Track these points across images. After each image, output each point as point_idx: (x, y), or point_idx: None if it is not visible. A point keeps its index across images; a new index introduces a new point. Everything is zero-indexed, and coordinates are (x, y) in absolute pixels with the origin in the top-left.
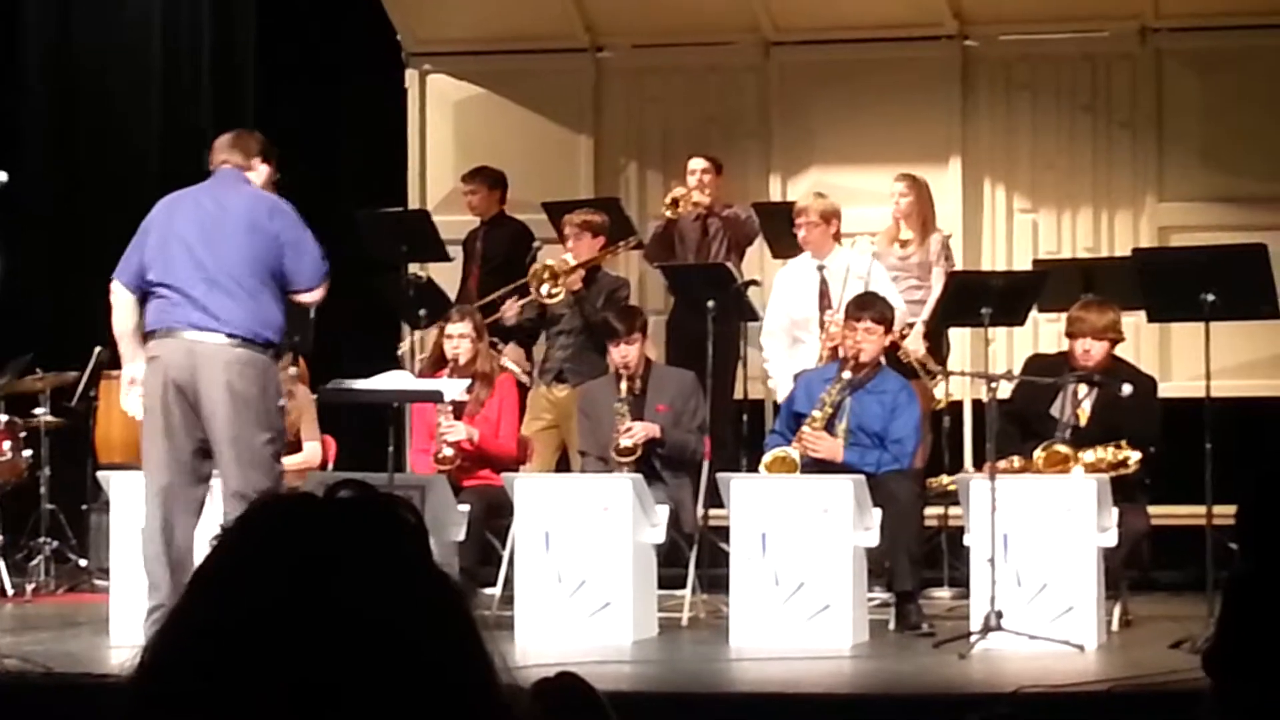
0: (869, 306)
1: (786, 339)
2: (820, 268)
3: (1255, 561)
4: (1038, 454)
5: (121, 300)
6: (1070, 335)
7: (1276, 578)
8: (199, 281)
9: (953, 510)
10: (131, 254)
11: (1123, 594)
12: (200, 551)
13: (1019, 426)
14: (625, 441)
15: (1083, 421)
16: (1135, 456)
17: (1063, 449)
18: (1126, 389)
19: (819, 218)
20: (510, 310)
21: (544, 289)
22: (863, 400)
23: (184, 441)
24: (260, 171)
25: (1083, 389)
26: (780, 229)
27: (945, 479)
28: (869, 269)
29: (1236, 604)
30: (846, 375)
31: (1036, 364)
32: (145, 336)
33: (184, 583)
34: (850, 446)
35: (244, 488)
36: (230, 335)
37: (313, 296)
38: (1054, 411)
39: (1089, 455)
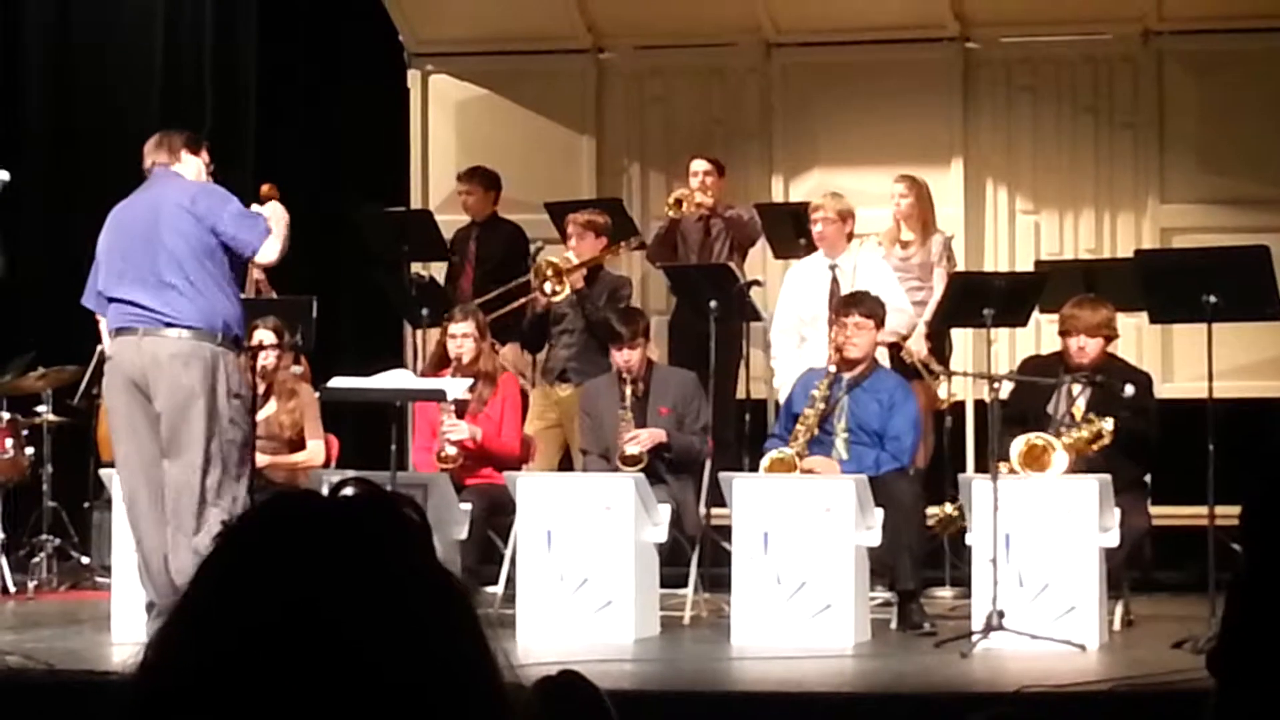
0: (858, 303)
1: (795, 337)
2: (832, 266)
3: (1259, 562)
4: (1016, 451)
5: (105, 326)
6: (1063, 333)
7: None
8: (143, 281)
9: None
10: (91, 277)
11: (1124, 594)
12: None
13: (1019, 427)
14: (632, 450)
15: (1078, 418)
16: (1108, 425)
17: (1039, 440)
18: (1129, 390)
19: (836, 215)
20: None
21: (547, 286)
22: (860, 399)
23: (147, 438)
24: (188, 164)
25: (1076, 386)
26: (783, 229)
27: (949, 508)
28: (879, 270)
29: (1240, 604)
30: (832, 369)
31: (1032, 364)
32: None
33: (160, 579)
34: (850, 446)
35: (206, 476)
36: (178, 328)
37: (265, 256)
38: (1050, 409)
39: (1065, 439)
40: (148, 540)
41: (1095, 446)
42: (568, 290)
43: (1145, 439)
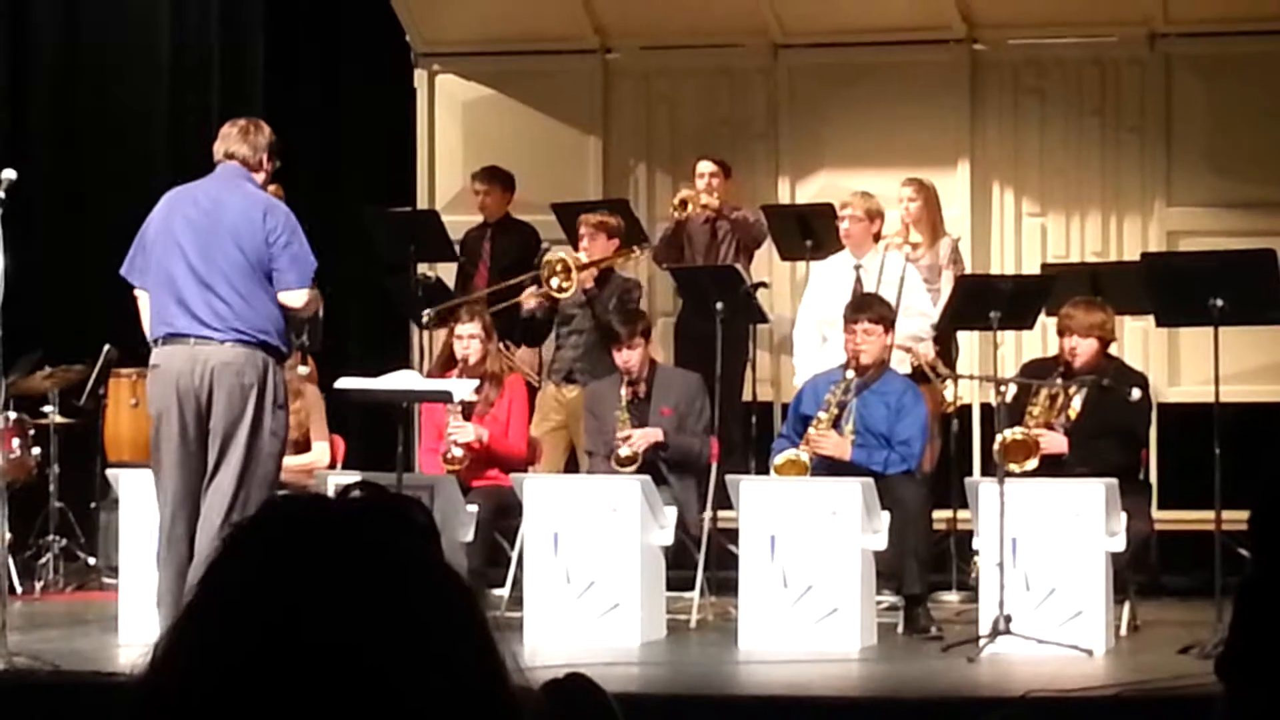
0: (867, 308)
1: (817, 336)
2: (857, 266)
3: (1267, 566)
4: (996, 448)
5: (145, 303)
6: (1060, 332)
7: None
8: (196, 285)
9: (961, 514)
10: (135, 252)
11: (1131, 599)
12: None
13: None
14: (624, 451)
15: (1073, 416)
16: (1077, 400)
17: (1018, 434)
18: (1136, 394)
19: (864, 214)
20: (528, 298)
21: (554, 282)
22: (868, 401)
23: (191, 447)
24: (265, 171)
25: (1073, 388)
26: (789, 231)
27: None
28: (903, 272)
29: (1248, 608)
30: (850, 375)
31: (1032, 367)
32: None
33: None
34: (858, 447)
35: (241, 487)
36: (230, 339)
37: (295, 300)
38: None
39: (1031, 420)
40: (186, 544)
41: (1063, 414)
42: (575, 288)
43: (1133, 431)
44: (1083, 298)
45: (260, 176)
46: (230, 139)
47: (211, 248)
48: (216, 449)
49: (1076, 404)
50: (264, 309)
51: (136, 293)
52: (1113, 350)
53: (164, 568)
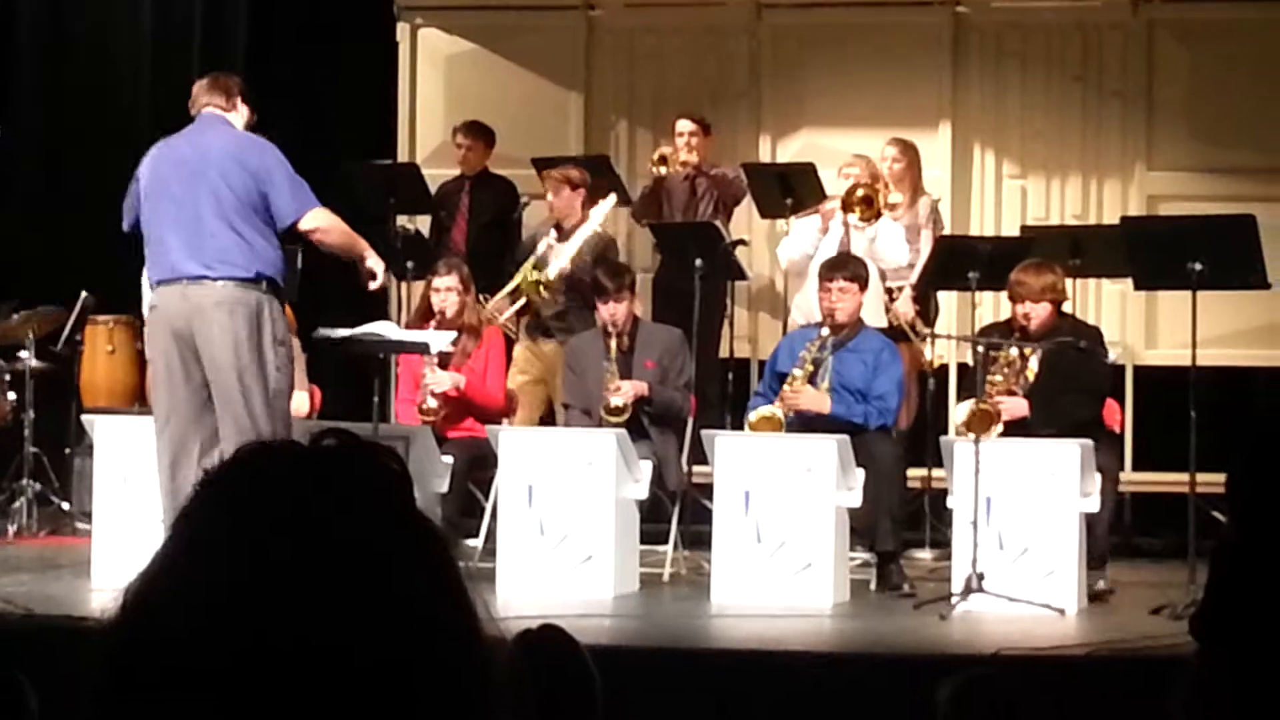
0: (842, 266)
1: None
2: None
3: (1242, 528)
4: (960, 420)
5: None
6: (1011, 299)
7: (1264, 543)
8: (186, 226)
9: (936, 472)
10: (127, 203)
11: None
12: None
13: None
14: (616, 401)
15: (1031, 377)
16: (1014, 351)
17: (983, 406)
18: (1085, 345)
19: (869, 177)
20: (502, 313)
21: (537, 298)
22: (844, 359)
23: (190, 389)
24: (241, 113)
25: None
26: (769, 189)
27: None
28: (891, 229)
29: (1224, 569)
30: (825, 332)
31: (990, 332)
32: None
33: None
34: (835, 401)
35: (247, 427)
36: (222, 277)
37: (314, 222)
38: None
39: (992, 388)
40: (189, 485)
41: (1019, 376)
42: (556, 280)
43: (1094, 383)
44: (1030, 261)
45: (236, 119)
46: (201, 91)
47: (199, 189)
48: (219, 390)
49: (1034, 365)
50: (258, 245)
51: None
52: (1065, 308)
53: (168, 517)
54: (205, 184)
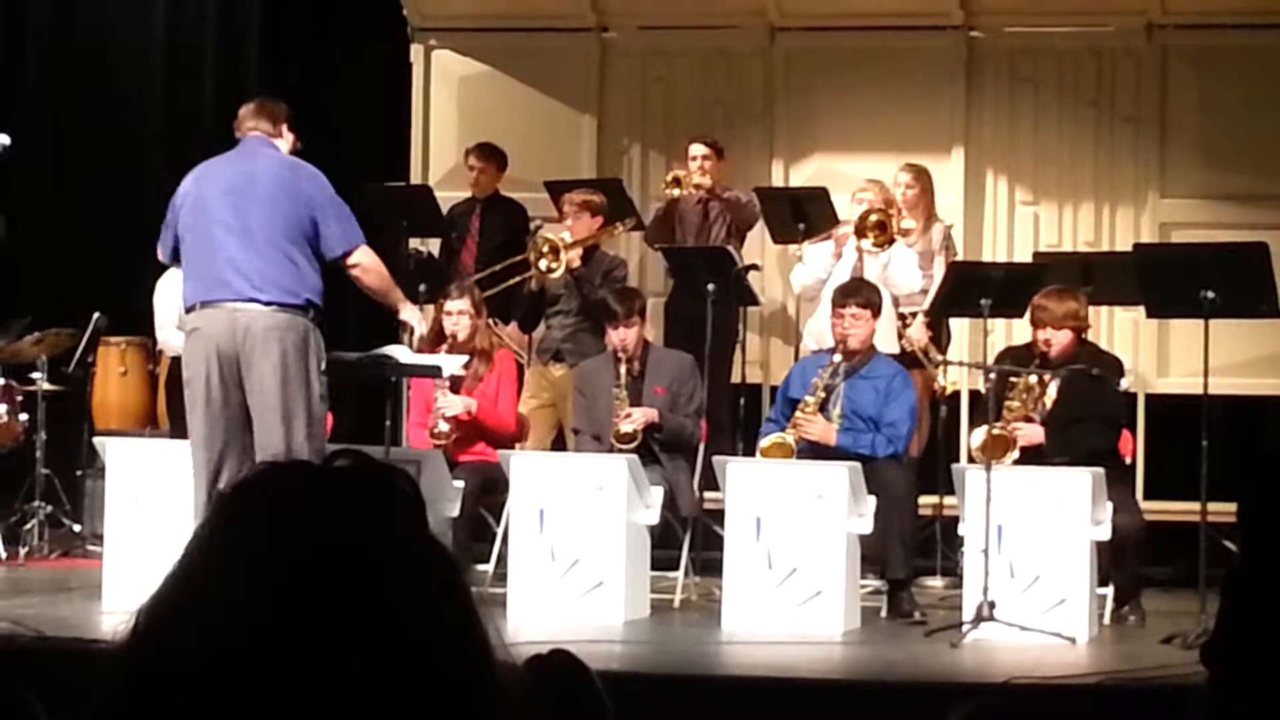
0: (855, 293)
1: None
2: (858, 247)
3: (1255, 557)
4: (976, 445)
5: (166, 286)
6: (1033, 324)
7: (1275, 572)
8: (234, 250)
9: (948, 499)
10: (167, 231)
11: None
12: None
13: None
14: (626, 427)
15: (1048, 405)
16: (1033, 379)
17: (997, 430)
18: (1124, 384)
19: (883, 202)
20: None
21: (543, 263)
22: (856, 385)
23: (229, 411)
24: (286, 139)
25: (1048, 375)
26: (782, 214)
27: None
28: (904, 256)
29: (1236, 598)
30: (837, 359)
31: (1007, 356)
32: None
33: None
34: (844, 431)
35: (283, 453)
36: (270, 301)
37: (356, 259)
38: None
39: (1009, 414)
40: None
41: (1036, 405)
42: (563, 268)
43: (1111, 415)
44: (1054, 287)
45: (282, 145)
46: (248, 115)
47: (248, 213)
48: (262, 414)
49: (1052, 392)
50: (306, 272)
51: (159, 285)
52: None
53: None
54: (256, 206)
